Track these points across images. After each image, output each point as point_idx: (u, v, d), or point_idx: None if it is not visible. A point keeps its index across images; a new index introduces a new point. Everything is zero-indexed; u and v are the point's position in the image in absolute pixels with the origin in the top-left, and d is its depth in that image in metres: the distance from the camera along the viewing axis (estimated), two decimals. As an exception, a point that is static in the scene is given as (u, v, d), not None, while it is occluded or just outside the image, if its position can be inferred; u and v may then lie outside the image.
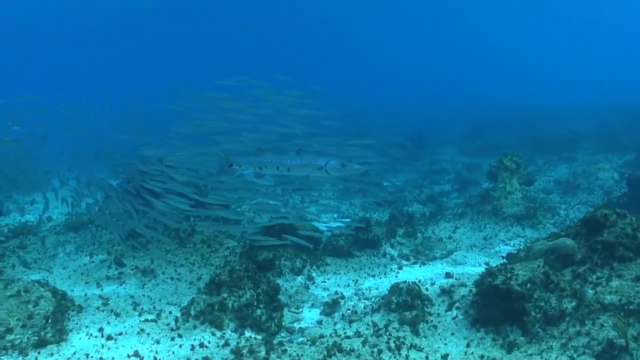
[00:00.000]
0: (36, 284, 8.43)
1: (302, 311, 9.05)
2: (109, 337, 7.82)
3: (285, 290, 9.50)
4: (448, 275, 9.85)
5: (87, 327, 8.23)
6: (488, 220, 13.15)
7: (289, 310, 8.97)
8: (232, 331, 7.83)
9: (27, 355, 7.39)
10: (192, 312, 8.06)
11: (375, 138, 11.78)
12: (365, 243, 11.55)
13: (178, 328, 7.94)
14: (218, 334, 7.73)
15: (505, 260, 9.21)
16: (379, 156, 11.48)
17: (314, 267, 10.49)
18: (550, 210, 14.05)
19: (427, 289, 9.24)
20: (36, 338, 7.62)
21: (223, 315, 8.00)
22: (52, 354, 7.47)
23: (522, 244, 12.03)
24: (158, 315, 8.44)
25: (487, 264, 10.73)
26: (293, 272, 10.15)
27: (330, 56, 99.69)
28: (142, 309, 8.93)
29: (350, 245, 11.43)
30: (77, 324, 8.35)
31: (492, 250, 11.76)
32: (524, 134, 28.81)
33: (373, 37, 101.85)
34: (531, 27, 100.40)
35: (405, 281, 8.58)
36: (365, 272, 10.53)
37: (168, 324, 8.12)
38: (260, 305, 8.23)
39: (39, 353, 7.41)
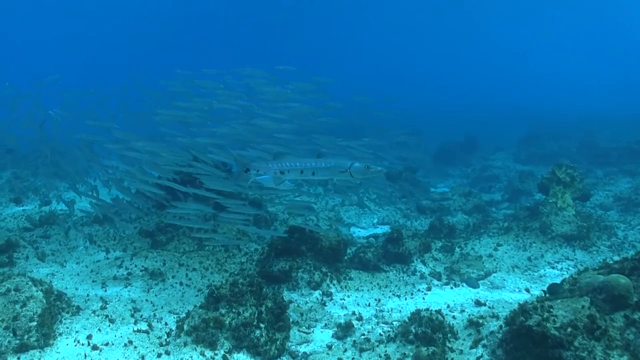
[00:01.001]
0: (29, 282, 7.88)
1: (313, 331, 8.16)
2: (95, 347, 7.22)
3: (298, 306, 8.65)
4: (479, 302, 8.75)
5: (77, 332, 7.66)
6: (534, 239, 11.80)
7: (299, 330, 8.10)
8: (225, 352, 7.04)
9: (5, 359, 6.88)
10: (185, 327, 7.32)
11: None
12: (395, 257, 10.52)
13: (167, 343, 7.23)
14: (209, 354, 6.96)
15: (546, 292, 8.00)
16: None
17: (335, 281, 9.56)
18: (606, 230, 12.52)
19: (454, 317, 8.22)
20: (17, 342, 7.09)
21: (218, 333, 7.22)
22: (32, 360, 6.96)
23: (571, 268, 10.74)
24: (151, 326, 7.77)
25: (527, 289, 9.53)
26: (310, 286, 9.26)
27: (378, 57, 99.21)
28: (141, 315, 8.29)
29: (378, 258, 10.44)
30: (68, 327, 7.80)
31: (535, 274, 10.49)
32: (582, 143, 26.69)
33: (423, 38, 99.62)
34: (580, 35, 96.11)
35: (428, 309, 7.56)
36: (390, 291, 9.52)
37: (159, 338, 7.43)
38: (261, 325, 7.38)
39: (18, 358, 6.90)
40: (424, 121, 39.20)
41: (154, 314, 8.37)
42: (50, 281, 9.44)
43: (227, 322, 7.28)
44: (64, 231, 12.16)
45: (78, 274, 9.85)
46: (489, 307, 8.58)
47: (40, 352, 7.10)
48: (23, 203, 15.31)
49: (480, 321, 7.70)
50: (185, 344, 7.10)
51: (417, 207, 15.95)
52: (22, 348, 7.07)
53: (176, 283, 9.47)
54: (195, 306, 7.66)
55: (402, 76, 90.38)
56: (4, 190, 16.28)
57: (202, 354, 6.93)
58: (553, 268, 10.80)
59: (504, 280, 10.05)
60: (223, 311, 7.39)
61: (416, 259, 10.63)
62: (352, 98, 14.15)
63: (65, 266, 10.32)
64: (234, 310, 7.40)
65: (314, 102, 11.86)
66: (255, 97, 11.15)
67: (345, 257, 10.55)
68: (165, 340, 7.31)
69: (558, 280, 9.85)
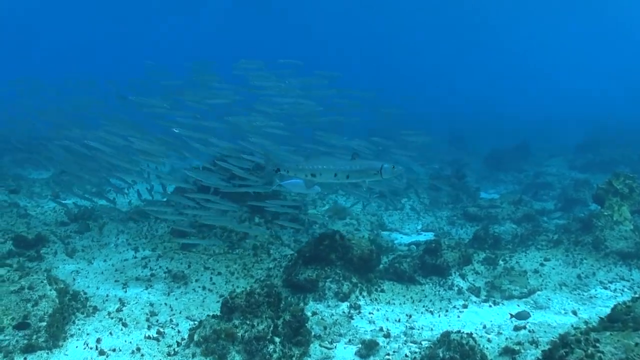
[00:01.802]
0: (44, 281, 7.69)
1: (335, 347, 7.59)
2: (102, 352, 6.95)
3: (322, 319, 8.10)
4: (517, 327, 7.98)
5: (88, 334, 7.41)
6: (586, 255, 10.79)
7: (321, 345, 7.55)
8: (235, 367, 6.59)
9: (12, 359, 6.64)
10: (196, 337, 6.89)
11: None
12: (433, 269, 9.79)
13: (175, 353, 6.85)
14: (216, 368, 6.52)
15: (603, 320, 7.13)
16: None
17: (365, 292, 8.95)
18: None
19: (489, 340, 7.52)
20: (25, 342, 6.86)
21: (230, 346, 6.74)
22: (38, 362, 6.71)
23: (626, 289, 9.76)
24: (163, 333, 7.41)
25: (575, 312, 8.63)
26: (337, 297, 8.68)
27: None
28: (157, 320, 7.96)
29: (415, 269, 9.75)
30: (80, 329, 7.54)
31: (585, 294, 9.55)
32: (646, 150, 25.06)
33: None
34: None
35: (460, 331, 6.88)
36: (423, 306, 8.83)
37: (169, 346, 7.08)
38: (276, 339, 6.88)
39: (25, 359, 6.66)
40: (475, 125, 38.02)
41: (171, 319, 8.02)
42: (74, 279, 9.32)
43: (239, 334, 6.81)
44: (98, 227, 12.02)
45: (102, 273, 9.63)
46: (529, 331, 7.80)
47: (47, 353, 6.88)
48: (66, 197, 15.33)
49: (517, 348, 6.99)
50: (194, 355, 6.67)
51: (464, 214, 15.12)
52: (30, 348, 6.85)
53: (199, 287, 9.09)
54: (208, 315, 7.23)
55: (451, 79, 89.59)
56: (50, 184, 16.36)
57: (210, 368, 6.50)
58: (605, 288, 9.84)
59: (549, 299, 9.19)
60: (236, 322, 6.92)
61: (455, 272, 9.87)
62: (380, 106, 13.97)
63: (93, 263, 10.13)
64: (248, 322, 6.93)
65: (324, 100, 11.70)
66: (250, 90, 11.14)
67: (380, 267, 9.96)
68: (174, 349, 6.93)
69: (611, 303, 8.97)
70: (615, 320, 6.70)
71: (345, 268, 9.08)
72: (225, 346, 6.74)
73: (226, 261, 9.97)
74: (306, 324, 7.34)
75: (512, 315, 8.43)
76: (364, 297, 8.86)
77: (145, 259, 10.17)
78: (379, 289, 9.19)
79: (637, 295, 7.15)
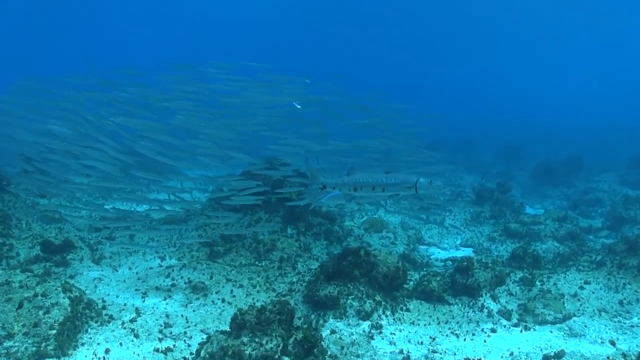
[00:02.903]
0: (59, 288, 7.60)
1: (351, 369, 7.24)
2: (108, 364, 6.76)
3: (340, 338, 7.72)
4: (547, 357, 7.39)
5: (98, 344, 7.30)
6: (630, 279, 9.96)
7: (335, 366, 7.21)
8: (240, 386, 6.30)
9: (20, 366, 6.57)
10: (202, 353, 6.64)
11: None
12: (463, 289, 9.26)
13: (181, 369, 6.61)
14: (220, 386, 6.25)
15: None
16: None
17: (389, 312, 8.52)
18: None
19: (514, 370, 6.99)
20: (34, 349, 6.78)
21: (237, 363, 6.49)
22: (44, 370, 6.61)
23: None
24: (171, 348, 7.19)
25: (613, 342, 7.94)
26: (359, 316, 8.28)
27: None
28: (171, 332, 7.79)
29: (444, 289, 9.25)
30: (91, 338, 7.44)
31: (627, 322, 8.79)
32: None
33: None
34: None
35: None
36: (449, 328, 8.32)
37: (177, 361, 6.84)
38: (285, 359, 6.57)
39: (33, 366, 6.58)
40: (531, 137, 36.84)
41: (185, 331, 7.82)
42: (96, 286, 9.26)
43: (247, 352, 6.52)
44: (129, 234, 11.99)
45: (124, 281, 9.53)
46: (561, 363, 7.24)
47: (54, 361, 6.76)
48: (108, 201, 15.46)
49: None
50: (199, 372, 6.44)
51: (504, 230, 14.45)
52: (38, 355, 6.76)
53: (218, 299, 8.86)
54: (217, 330, 6.97)
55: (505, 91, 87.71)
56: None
57: (213, 386, 6.23)
58: (650, 318, 9.12)
59: (586, 326, 8.50)
60: (245, 340, 6.64)
61: (485, 293, 9.30)
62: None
63: (118, 271, 10.05)
64: (257, 339, 6.63)
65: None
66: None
67: (410, 284, 9.51)
68: (180, 365, 6.69)
69: None
70: None
71: (369, 285, 8.69)
72: (231, 364, 6.48)
73: (249, 273, 9.72)
74: (320, 344, 7.00)
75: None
76: (387, 316, 8.43)
77: (170, 268, 10.03)
78: (404, 308, 8.74)
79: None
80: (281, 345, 6.65)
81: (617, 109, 66.30)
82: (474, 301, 9.13)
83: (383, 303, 8.61)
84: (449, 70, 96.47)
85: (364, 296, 8.50)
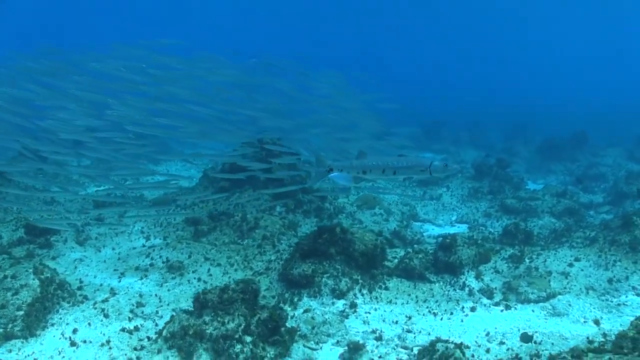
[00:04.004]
0: (29, 270, 7.58)
1: (321, 348, 7.10)
2: (73, 343, 6.81)
3: (312, 317, 7.59)
4: (525, 337, 7.18)
5: (67, 324, 7.31)
6: (621, 256, 9.59)
7: (305, 345, 7.09)
8: (200, 366, 6.23)
9: (-13, 347, 6.58)
10: (164, 333, 6.58)
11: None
12: (446, 267, 9.07)
13: (142, 348, 6.57)
14: (180, 366, 6.18)
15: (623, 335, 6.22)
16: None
17: (365, 290, 8.36)
18: None
19: (487, 351, 6.82)
20: (1, 330, 6.78)
21: (197, 343, 6.40)
22: (10, 351, 6.64)
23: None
24: (138, 328, 7.13)
25: (596, 321, 7.67)
26: (334, 295, 8.14)
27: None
28: (142, 311, 7.76)
29: (427, 266, 9.06)
30: (61, 318, 7.44)
31: (614, 301, 8.49)
32: None
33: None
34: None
35: (448, 341, 6.23)
36: (427, 307, 8.13)
37: (140, 340, 6.79)
38: (247, 339, 6.46)
39: (-1, 347, 6.58)
40: (533, 115, 36.19)
41: (157, 311, 7.78)
42: (76, 267, 9.27)
43: (208, 331, 6.45)
44: (118, 214, 11.98)
45: (105, 261, 9.52)
46: (535, 343, 6.99)
47: (22, 342, 6.81)
48: (101, 184, 15.47)
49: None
50: (159, 352, 6.39)
51: (501, 206, 14.16)
52: (5, 337, 6.76)
53: (194, 279, 8.79)
54: (180, 310, 6.90)
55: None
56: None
57: (172, 366, 6.16)
58: (638, 295, 8.78)
59: (570, 305, 8.22)
60: (207, 319, 6.56)
61: (468, 271, 9.09)
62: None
63: (101, 252, 10.05)
64: (219, 319, 6.55)
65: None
66: None
67: (391, 262, 9.35)
68: (142, 344, 6.63)
69: None
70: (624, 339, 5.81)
71: (345, 263, 8.54)
72: (192, 343, 6.40)
73: (229, 252, 9.62)
74: (285, 323, 6.89)
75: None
76: (363, 295, 8.28)
77: (152, 247, 9.97)
78: (383, 287, 8.58)
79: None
80: (243, 324, 6.55)
81: (626, 86, 65.00)
82: (455, 279, 8.93)
83: (360, 281, 8.46)
84: (458, 52, 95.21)
85: (339, 274, 8.36)
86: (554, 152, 23.08)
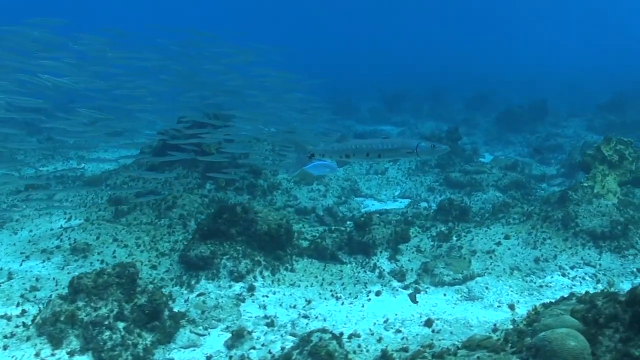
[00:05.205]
0: None
1: (209, 334, 6.92)
2: (-52, 331, 6.54)
3: (203, 301, 7.39)
4: (430, 321, 6.98)
5: (-55, 313, 7.03)
6: (552, 234, 9.37)
7: (192, 330, 6.91)
8: (69, 353, 6.04)
9: None
10: (38, 319, 6.39)
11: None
12: (360, 247, 8.86)
13: (12, 336, 6.34)
14: (45, 353, 5.99)
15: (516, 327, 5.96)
16: None
17: (268, 272, 8.15)
18: None
19: (379, 340, 6.61)
20: None
21: (69, 329, 6.22)
22: None
23: (587, 277, 8.52)
24: (21, 313, 6.92)
25: (512, 306, 7.49)
26: (231, 277, 7.94)
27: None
28: (35, 296, 7.54)
29: (340, 246, 8.85)
30: (-60, 308, 7.18)
31: (537, 282, 8.28)
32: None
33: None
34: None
35: (324, 331, 6.01)
36: (331, 290, 7.90)
37: (17, 327, 6.57)
38: (119, 325, 6.28)
39: None
40: (498, 85, 35.74)
41: (51, 295, 7.55)
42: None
43: (81, 317, 6.27)
44: (48, 195, 11.73)
45: (14, 244, 9.28)
46: (434, 331, 6.78)
47: None
48: (47, 164, 15.23)
49: (394, 355, 6.02)
50: (28, 339, 6.19)
51: (445, 180, 13.90)
52: None
53: (97, 260, 8.58)
54: (57, 295, 6.70)
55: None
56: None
57: (38, 354, 5.97)
58: (564, 275, 8.57)
59: (487, 288, 7.99)
60: (80, 304, 6.37)
61: (381, 252, 8.88)
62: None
63: (16, 234, 9.80)
64: (92, 304, 6.37)
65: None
66: None
67: (307, 243, 9.15)
68: (13, 332, 6.43)
69: (565, 293, 7.76)
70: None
71: (248, 244, 8.32)
72: (63, 330, 6.22)
73: (139, 232, 9.38)
74: (167, 308, 6.71)
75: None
76: (264, 277, 8.07)
77: (68, 229, 9.75)
78: (289, 268, 8.37)
79: (551, 304, 5.89)
80: (116, 310, 6.37)
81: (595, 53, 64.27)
82: (367, 260, 8.72)
83: (263, 263, 8.24)
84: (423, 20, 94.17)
85: (240, 256, 8.14)
86: (513, 123, 22.76)
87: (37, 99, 9.78)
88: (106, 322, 6.23)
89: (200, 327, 7.01)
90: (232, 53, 13.12)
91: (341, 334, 6.23)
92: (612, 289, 8.16)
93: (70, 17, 11.82)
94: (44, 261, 8.60)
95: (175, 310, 7.06)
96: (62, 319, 6.25)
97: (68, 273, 8.23)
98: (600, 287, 8.29)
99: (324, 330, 6.06)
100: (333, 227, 9.63)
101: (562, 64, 59.85)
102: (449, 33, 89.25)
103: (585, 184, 10.16)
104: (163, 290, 7.66)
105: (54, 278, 8.04)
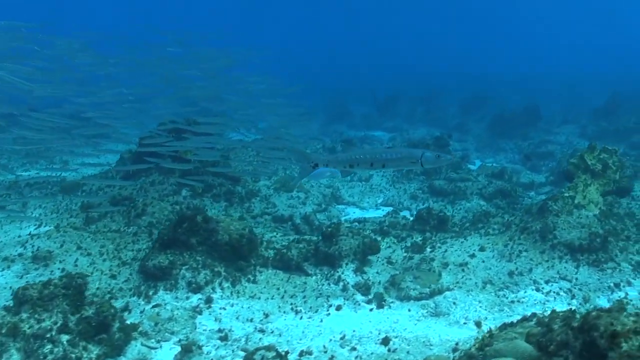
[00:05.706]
0: None
1: (161, 347, 6.74)
2: None
3: (158, 314, 7.21)
4: (387, 340, 6.72)
5: None
6: (529, 246, 9.06)
7: (143, 343, 6.73)
8: (7, 367, 5.88)
9: None
10: (-21, 332, 6.24)
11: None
12: (325, 258, 8.64)
13: (-50, 351, 6.20)
14: (-16, 368, 5.84)
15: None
16: None
17: (228, 284, 7.95)
18: (636, 242, 9.58)
19: (331, 359, 6.33)
20: None
21: (10, 342, 6.05)
22: None
23: (562, 292, 8.23)
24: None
25: (479, 323, 7.16)
26: (189, 288, 7.75)
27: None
28: (-14, 306, 7.36)
29: (305, 257, 8.63)
30: None
31: (509, 297, 7.97)
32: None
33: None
34: None
35: (270, 348, 5.80)
36: (291, 304, 7.66)
37: (-41, 340, 6.42)
38: (62, 338, 6.10)
39: None
40: (495, 89, 35.41)
41: (5, 305, 7.37)
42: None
43: (24, 329, 6.10)
44: (22, 202, 11.59)
45: (-22, 251, 9.15)
46: (389, 350, 6.49)
47: None
48: (29, 169, 15.15)
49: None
50: (-35, 354, 6.03)
51: (429, 187, 13.66)
52: None
53: (58, 269, 8.40)
54: (2, 306, 6.54)
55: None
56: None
57: (-26, 369, 5.82)
58: (538, 290, 8.24)
59: (454, 304, 7.67)
60: (24, 316, 6.21)
61: (347, 263, 8.64)
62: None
63: (-17, 241, 9.67)
64: (36, 316, 6.20)
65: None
66: None
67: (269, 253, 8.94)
68: (-48, 346, 6.28)
69: (538, 309, 7.51)
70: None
71: (209, 255, 8.13)
72: (4, 342, 6.06)
73: (104, 240, 9.22)
74: (112, 321, 6.52)
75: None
76: (223, 289, 7.87)
77: (35, 236, 9.59)
78: (251, 280, 8.17)
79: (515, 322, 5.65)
80: (60, 322, 6.20)
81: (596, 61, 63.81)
82: (332, 272, 8.50)
83: (223, 274, 8.04)
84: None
85: (199, 266, 7.94)
86: (506, 129, 22.47)
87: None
88: (48, 335, 6.06)
89: (153, 340, 6.84)
90: (216, 57, 13.05)
91: (286, 352, 5.99)
92: (587, 305, 7.92)
93: (45, 20, 11.77)
94: (3, 269, 8.44)
95: (130, 322, 6.92)
96: (3, 331, 6.09)
97: (26, 282, 8.07)
98: (575, 302, 8.01)
99: (268, 348, 5.86)
100: (300, 237, 9.41)
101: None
102: (447, 33, 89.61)
103: (566, 194, 9.88)
104: (120, 300, 7.56)
105: (10, 287, 7.86)
